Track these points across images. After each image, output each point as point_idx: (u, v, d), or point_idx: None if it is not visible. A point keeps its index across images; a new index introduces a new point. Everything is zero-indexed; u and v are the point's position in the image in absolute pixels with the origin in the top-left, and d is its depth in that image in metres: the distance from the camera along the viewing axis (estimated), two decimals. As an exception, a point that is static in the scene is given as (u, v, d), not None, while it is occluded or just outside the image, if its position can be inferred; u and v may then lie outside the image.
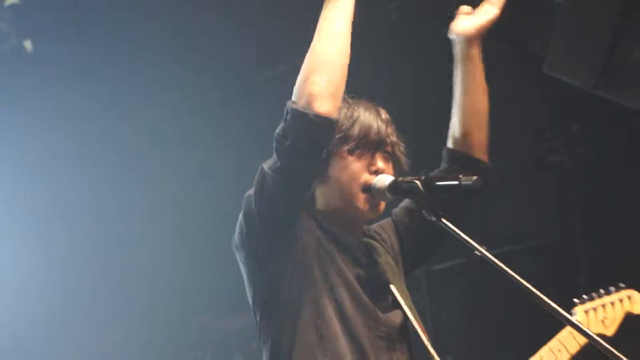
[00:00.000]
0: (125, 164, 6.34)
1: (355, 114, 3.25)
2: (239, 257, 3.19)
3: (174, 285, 6.53)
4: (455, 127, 3.46)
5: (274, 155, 3.02)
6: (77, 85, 5.92)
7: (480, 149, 3.45)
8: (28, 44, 5.62)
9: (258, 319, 3.15)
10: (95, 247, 6.36)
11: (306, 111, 2.95)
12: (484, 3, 3.46)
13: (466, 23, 3.44)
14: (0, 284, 6.17)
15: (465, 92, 3.42)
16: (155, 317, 6.63)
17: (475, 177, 2.96)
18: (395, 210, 3.52)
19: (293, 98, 3.01)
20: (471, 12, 3.47)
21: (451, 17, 3.48)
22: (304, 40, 3.09)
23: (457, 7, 3.49)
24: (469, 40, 3.41)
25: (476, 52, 3.43)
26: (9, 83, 5.75)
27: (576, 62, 5.56)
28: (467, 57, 3.42)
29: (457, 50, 3.44)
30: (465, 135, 3.43)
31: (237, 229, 3.15)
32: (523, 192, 6.45)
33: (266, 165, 3.04)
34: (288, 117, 2.98)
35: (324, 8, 3.08)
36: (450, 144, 3.47)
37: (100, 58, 5.84)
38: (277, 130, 3.02)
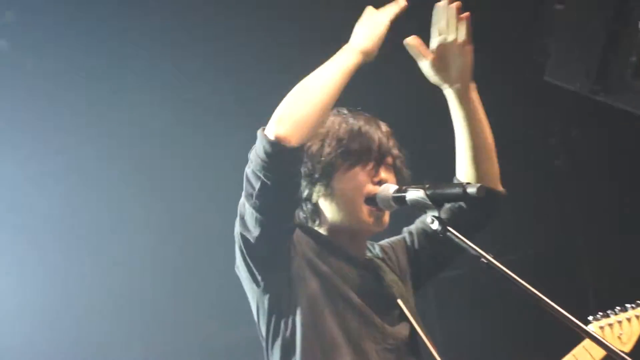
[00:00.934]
0: (135, 174, 6.32)
1: (356, 128, 3.24)
2: (240, 278, 3.18)
3: (191, 299, 6.54)
4: (463, 162, 3.37)
5: (250, 181, 2.99)
6: (66, 93, 5.92)
7: (492, 180, 3.38)
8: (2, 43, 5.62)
9: (263, 335, 3.15)
10: (103, 261, 6.35)
11: (265, 135, 2.93)
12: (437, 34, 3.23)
13: (451, 72, 3.26)
14: (19, 302, 6.16)
15: (469, 131, 3.33)
16: (176, 332, 6.62)
17: (479, 185, 2.93)
18: (407, 228, 3.51)
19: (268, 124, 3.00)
20: (419, 42, 3.25)
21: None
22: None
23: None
24: (462, 87, 3.27)
25: (472, 94, 3.31)
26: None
27: (573, 68, 5.60)
28: (463, 102, 3.30)
29: (451, 98, 3.31)
30: (475, 170, 3.35)
31: (236, 253, 3.14)
32: (527, 198, 6.45)
33: (243, 195, 3.03)
34: (258, 144, 2.97)
35: (336, 55, 3.08)
36: (460, 176, 3.39)
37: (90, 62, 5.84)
38: (250, 157, 3.00)
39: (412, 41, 3.25)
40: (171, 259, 6.43)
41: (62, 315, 6.25)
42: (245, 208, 3.02)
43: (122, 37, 5.76)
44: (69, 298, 6.23)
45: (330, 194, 3.22)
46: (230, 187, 3.27)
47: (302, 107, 2.98)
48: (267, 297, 3.10)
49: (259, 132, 2.97)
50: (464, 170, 3.37)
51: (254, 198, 2.97)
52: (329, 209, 3.24)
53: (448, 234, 2.94)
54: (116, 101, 6.03)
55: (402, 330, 3.19)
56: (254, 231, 3.01)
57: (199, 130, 6.31)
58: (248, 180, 2.98)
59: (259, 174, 2.94)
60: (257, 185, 2.95)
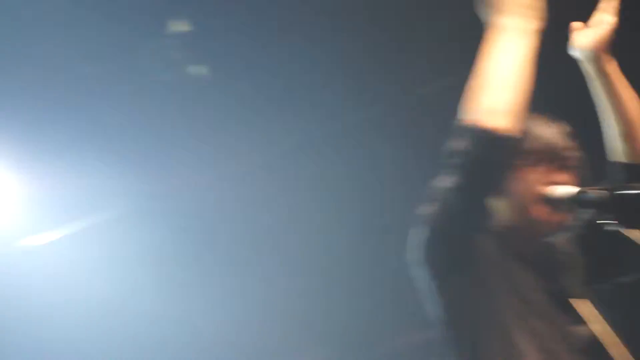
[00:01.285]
0: (304, 176, 6.42)
1: (535, 129, 3.24)
2: (417, 273, 3.18)
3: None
4: (614, 141, 3.38)
5: (453, 173, 2.99)
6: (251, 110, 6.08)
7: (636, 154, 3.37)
8: (201, 70, 5.77)
9: (444, 336, 3.16)
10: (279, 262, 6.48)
11: (486, 128, 2.92)
12: (596, 13, 3.36)
13: (585, 39, 3.34)
14: (197, 305, 6.38)
15: (612, 106, 3.33)
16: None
17: None
18: (576, 224, 3.44)
19: (466, 114, 2.99)
20: (583, 26, 3.38)
21: None
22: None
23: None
24: (594, 57, 3.32)
25: (607, 66, 3.33)
26: (187, 112, 5.91)
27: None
28: (599, 74, 3.32)
29: (587, 69, 3.36)
30: (629, 145, 3.35)
31: (416, 246, 3.13)
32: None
33: (443, 184, 3.02)
34: (465, 134, 2.96)
35: (512, 40, 3.00)
36: (615, 156, 3.39)
37: (276, 81, 5.94)
38: (452, 148, 3.00)
39: (577, 24, 3.37)
40: (346, 257, 6.49)
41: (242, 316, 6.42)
42: (456, 201, 2.99)
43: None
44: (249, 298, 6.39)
45: (505, 195, 3.22)
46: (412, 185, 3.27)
47: (510, 91, 2.95)
48: (448, 293, 3.11)
49: (474, 127, 2.94)
50: (619, 150, 3.37)
51: (482, 189, 2.99)
52: (504, 209, 3.25)
53: (622, 235, 2.95)
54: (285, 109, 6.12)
55: (586, 330, 3.19)
56: (465, 224, 3.03)
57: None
58: (472, 172, 2.96)
59: (489, 164, 2.95)
60: (486, 174, 2.97)
